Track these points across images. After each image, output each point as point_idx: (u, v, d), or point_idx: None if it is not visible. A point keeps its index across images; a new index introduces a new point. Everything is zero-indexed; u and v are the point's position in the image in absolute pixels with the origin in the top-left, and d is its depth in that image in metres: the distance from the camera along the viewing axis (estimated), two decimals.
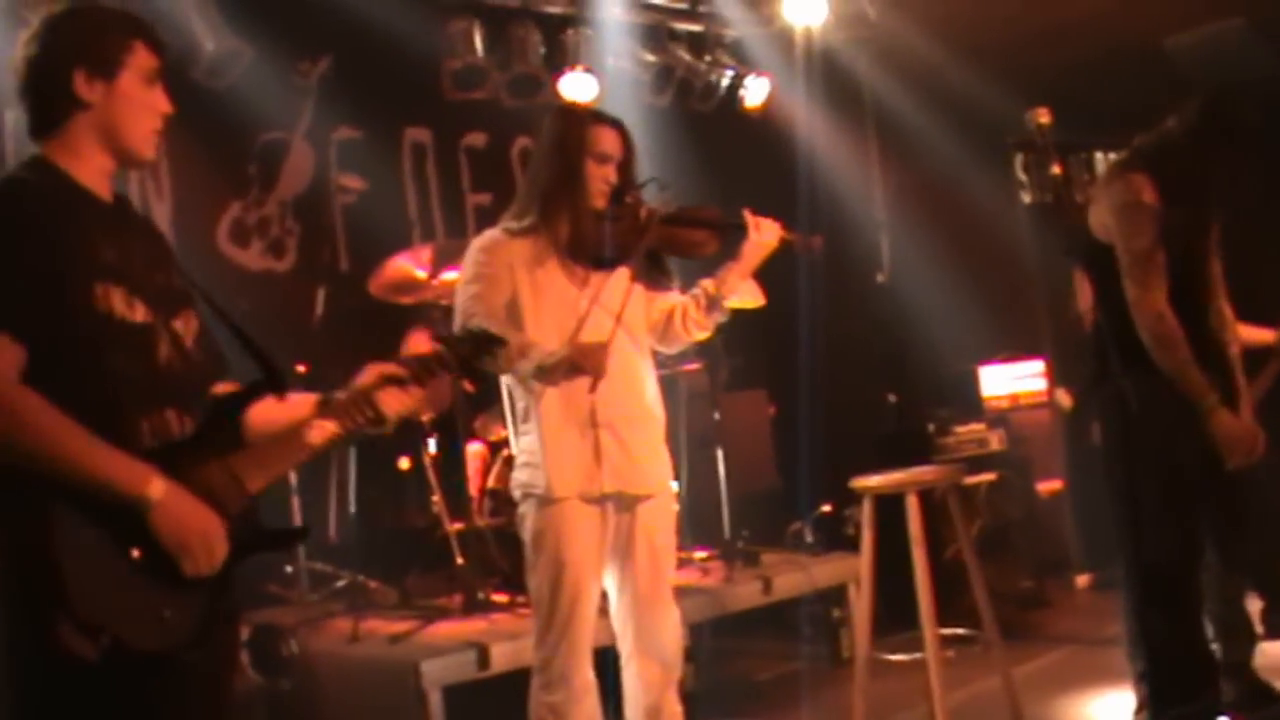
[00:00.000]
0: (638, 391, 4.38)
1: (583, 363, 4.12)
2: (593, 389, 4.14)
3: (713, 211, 4.48)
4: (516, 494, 4.39)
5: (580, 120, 4.41)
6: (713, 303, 4.49)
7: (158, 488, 2.77)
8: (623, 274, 4.30)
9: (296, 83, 7.62)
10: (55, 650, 2.65)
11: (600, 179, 4.33)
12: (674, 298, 4.53)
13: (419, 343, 3.10)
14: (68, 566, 2.67)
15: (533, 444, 4.30)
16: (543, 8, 8.34)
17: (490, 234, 4.43)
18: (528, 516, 4.31)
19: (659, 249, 4.45)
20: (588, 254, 4.34)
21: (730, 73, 8.89)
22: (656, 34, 8.80)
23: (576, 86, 8.24)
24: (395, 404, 3.18)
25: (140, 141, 3.03)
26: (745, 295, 4.55)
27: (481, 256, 4.36)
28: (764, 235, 4.44)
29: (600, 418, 4.24)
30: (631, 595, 4.33)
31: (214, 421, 3.02)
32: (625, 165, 4.39)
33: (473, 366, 3.46)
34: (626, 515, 4.30)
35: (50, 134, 2.97)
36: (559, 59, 8.33)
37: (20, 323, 2.74)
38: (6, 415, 2.70)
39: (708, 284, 4.50)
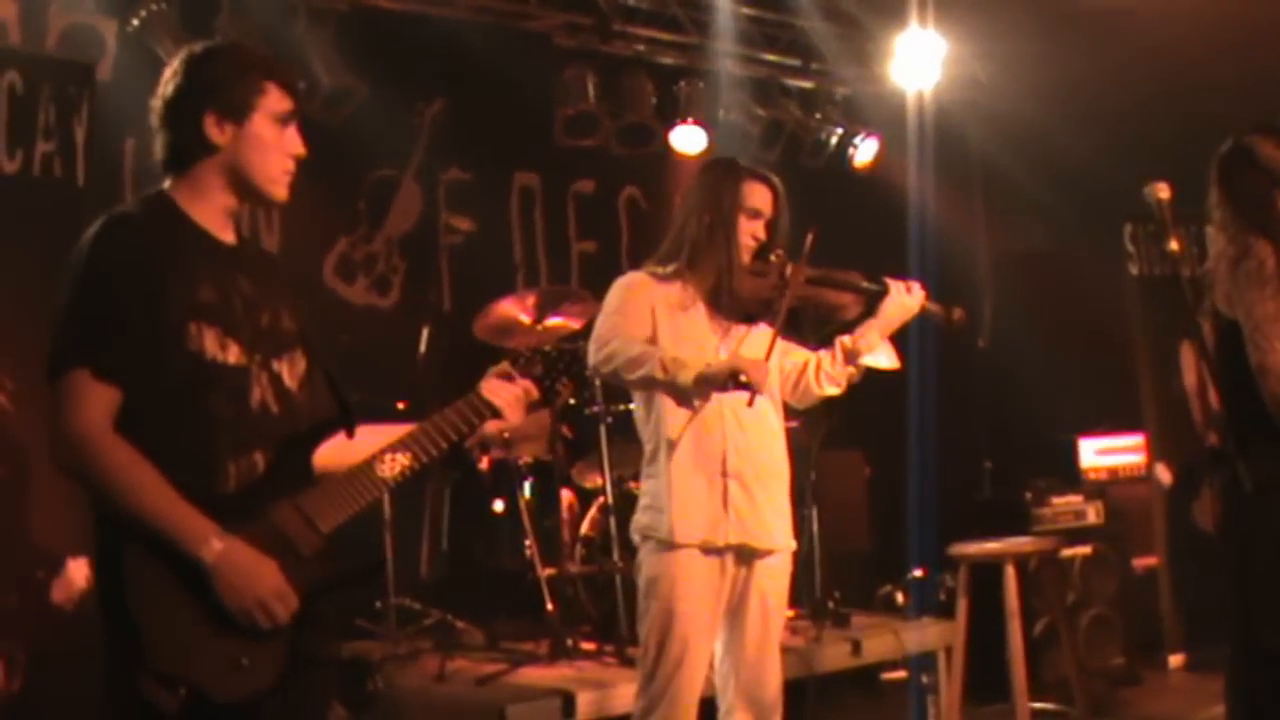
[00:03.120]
0: (769, 446, 4.33)
1: (750, 371, 4.00)
2: (750, 403, 4.03)
3: (855, 275, 4.43)
4: (635, 537, 4.34)
5: (736, 174, 4.36)
6: (849, 357, 4.41)
7: (213, 550, 2.75)
8: (765, 330, 4.26)
9: (410, 122, 7.72)
10: (141, 699, 2.68)
11: (749, 234, 4.31)
12: (806, 352, 4.48)
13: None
14: (145, 615, 2.70)
15: (658, 488, 4.23)
16: (656, 58, 8.41)
17: (635, 275, 4.39)
18: (644, 562, 4.25)
19: (800, 308, 4.38)
20: (731, 307, 4.30)
21: (840, 130, 8.90)
22: (768, 89, 8.87)
23: (687, 139, 8.32)
24: (502, 394, 3.19)
25: (269, 182, 3.03)
26: (881, 356, 4.49)
27: (626, 294, 4.32)
28: (907, 297, 4.40)
29: (730, 467, 4.19)
30: (738, 651, 4.27)
31: (286, 460, 2.99)
32: (774, 222, 4.37)
33: (543, 386, 3.37)
34: (744, 569, 4.24)
35: (180, 172, 3.00)
36: (670, 110, 8.40)
37: (111, 362, 2.76)
38: (89, 463, 2.74)
39: (844, 339, 4.43)
